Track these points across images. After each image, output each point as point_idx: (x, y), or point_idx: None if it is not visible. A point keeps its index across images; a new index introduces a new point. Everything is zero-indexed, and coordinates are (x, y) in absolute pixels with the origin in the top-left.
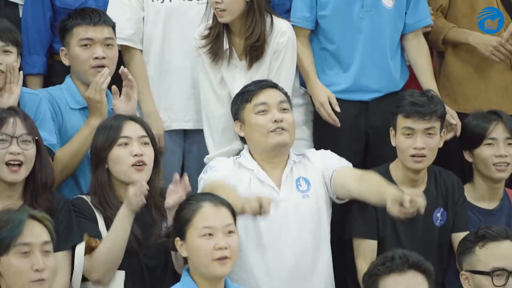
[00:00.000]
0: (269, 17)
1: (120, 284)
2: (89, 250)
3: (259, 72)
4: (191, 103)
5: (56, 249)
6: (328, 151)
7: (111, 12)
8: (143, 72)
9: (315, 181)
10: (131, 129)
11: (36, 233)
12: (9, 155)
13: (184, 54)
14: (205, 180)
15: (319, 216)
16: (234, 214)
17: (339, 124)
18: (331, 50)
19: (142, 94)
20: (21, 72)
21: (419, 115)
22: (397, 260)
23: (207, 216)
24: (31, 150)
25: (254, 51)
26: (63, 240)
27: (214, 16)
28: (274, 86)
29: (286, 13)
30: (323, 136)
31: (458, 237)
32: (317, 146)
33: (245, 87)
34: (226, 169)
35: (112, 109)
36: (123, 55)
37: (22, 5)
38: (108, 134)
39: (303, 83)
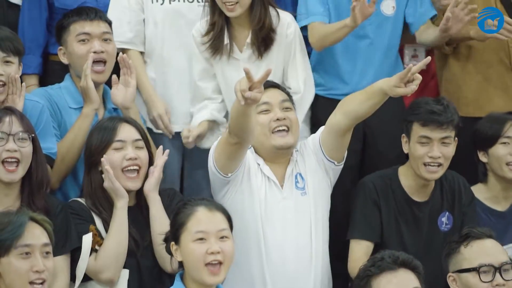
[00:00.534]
0: (273, 9)
1: (124, 282)
2: (93, 244)
3: (266, 61)
4: (190, 106)
5: (54, 254)
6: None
7: (111, 15)
8: (141, 64)
9: (311, 173)
10: (126, 132)
11: (36, 235)
12: (6, 153)
13: (184, 57)
14: None
15: (317, 213)
16: (230, 219)
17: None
18: (332, 57)
19: (140, 81)
20: (23, 84)
21: (436, 124)
22: (387, 259)
23: (201, 220)
24: (28, 147)
25: (264, 42)
26: (61, 245)
27: (214, 12)
28: (276, 86)
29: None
30: None
31: None
32: None
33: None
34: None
35: (114, 108)
36: None
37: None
38: (102, 137)
39: None
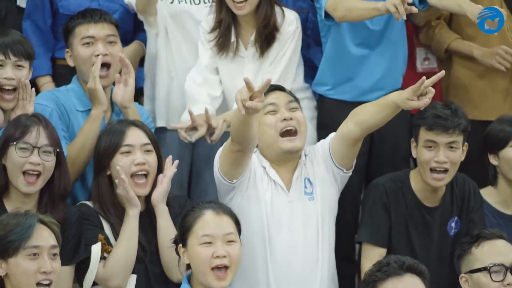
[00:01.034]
0: (278, 7)
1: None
2: (101, 253)
3: (267, 59)
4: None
5: (62, 263)
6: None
7: None
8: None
9: (319, 179)
10: (134, 136)
11: (45, 237)
12: (29, 165)
13: (191, 57)
14: None
15: (324, 218)
16: (237, 223)
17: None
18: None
19: None
20: (33, 89)
21: (442, 129)
22: (393, 264)
23: (208, 224)
24: (51, 161)
25: (267, 39)
26: (70, 256)
27: (221, 10)
28: (281, 88)
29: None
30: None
31: None
32: None
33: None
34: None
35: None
36: None
37: None
38: (111, 140)
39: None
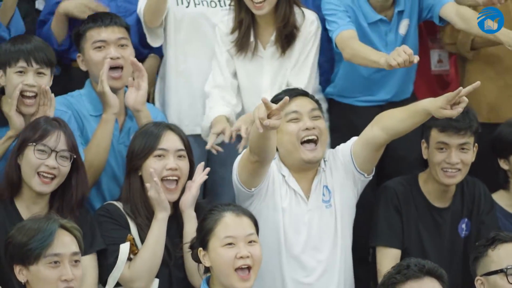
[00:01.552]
0: (298, 8)
1: None
2: (129, 253)
3: (288, 59)
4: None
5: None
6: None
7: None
8: None
9: (338, 185)
10: (169, 141)
11: (66, 243)
12: (44, 167)
13: (207, 61)
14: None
15: (342, 225)
16: (256, 224)
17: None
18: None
19: None
20: (53, 95)
21: (454, 130)
22: (413, 267)
23: (229, 225)
24: (67, 167)
25: (287, 39)
26: (88, 245)
27: (241, 10)
28: (305, 94)
29: None
30: (341, 142)
31: None
32: None
33: (276, 96)
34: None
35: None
36: None
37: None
38: (145, 142)
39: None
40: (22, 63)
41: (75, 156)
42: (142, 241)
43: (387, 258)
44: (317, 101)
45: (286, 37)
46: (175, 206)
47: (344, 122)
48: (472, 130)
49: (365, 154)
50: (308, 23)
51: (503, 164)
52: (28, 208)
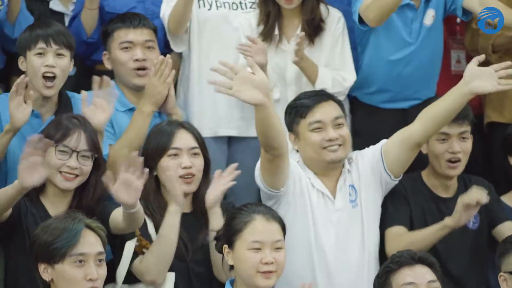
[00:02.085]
0: (323, 4)
1: (171, 286)
2: (140, 248)
3: (318, 48)
4: (236, 110)
5: None
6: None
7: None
8: None
9: (364, 185)
10: (183, 140)
11: (91, 243)
12: (66, 167)
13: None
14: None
15: (368, 224)
16: (284, 229)
17: None
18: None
19: None
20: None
21: (453, 120)
22: (405, 255)
23: (258, 230)
24: (89, 166)
25: (315, 31)
26: None
27: (267, 3)
28: (330, 98)
29: None
30: (363, 146)
31: (501, 228)
32: None
33: (299, 99)
34: (292, 164)
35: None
36: None
37: (68, 14)
38: (159, 142)
39: None
40: (41, 45)
41: (96, 156)
42: None
43: (392, 234)
44: (340, 103)
45: (314, 29)
46: (194, 202)
47: (368, 126)
48: (469, 119)
49: (398, 153)
50: (335, 19)
51: None
52: (53, 204)
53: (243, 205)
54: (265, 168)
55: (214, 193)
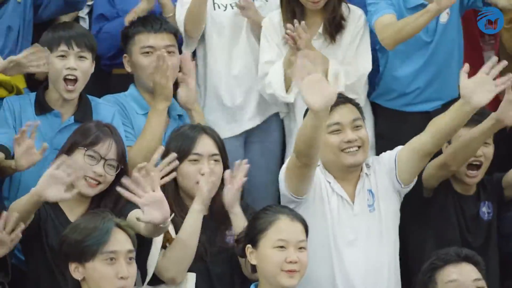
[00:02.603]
0: (344, 3)
1: (192, 286)
2: (164, 241)
3: (339, 46)
4: (252, 105)
5: None
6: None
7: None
8: None
9: (382, 190)
10: (204, 146)
11: (122, 241)
12: (92, 173)
13: (243, 61)
14: None
15: (387, 228)
16: (307, 230)
17: None
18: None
19: None
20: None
21: (475, 123)
22: (451, 253)
23: (283, 229)
24: (113, 176)
25: (336, 28)
26: None
27: (291, 3)
28: (347, 101)
29: None
30: (387, 148)
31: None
32: None
33: None
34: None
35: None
36: None
37: (83, 18)
38: (180, 146)
39: None
40: (63, 47)
41: (122, 167)
42: None
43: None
44: (357, 105)
45: (336, 27)
46: (211, 206)
47: (391, 129)
48: None
49: (410, 163)
50: (356, 17)
51: None
52: (72, 210)
53: (266, 206)
54: (293, 174)
55: (230, 192)
